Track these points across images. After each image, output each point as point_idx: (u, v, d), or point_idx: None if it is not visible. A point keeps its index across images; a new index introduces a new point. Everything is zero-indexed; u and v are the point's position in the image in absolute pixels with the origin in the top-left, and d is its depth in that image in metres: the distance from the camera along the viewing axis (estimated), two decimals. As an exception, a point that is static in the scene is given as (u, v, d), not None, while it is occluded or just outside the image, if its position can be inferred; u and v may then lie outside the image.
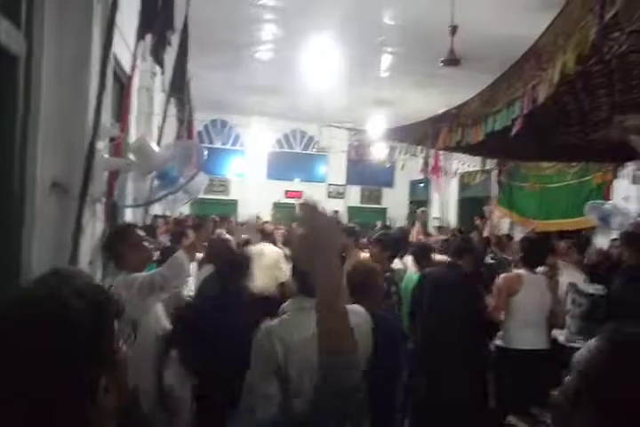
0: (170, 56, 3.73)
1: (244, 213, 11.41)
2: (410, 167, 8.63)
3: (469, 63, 5.68)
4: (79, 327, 0.74)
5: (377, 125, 8.39)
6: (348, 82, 7.93)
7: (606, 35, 2.03)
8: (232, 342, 2.46)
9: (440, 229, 9.26)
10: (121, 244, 2.43)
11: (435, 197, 11.98)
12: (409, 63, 7.05)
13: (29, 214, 1.96)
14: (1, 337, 0.73)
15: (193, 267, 3.42)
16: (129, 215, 3.96)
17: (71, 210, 2.11)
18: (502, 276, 3.51)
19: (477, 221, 7.20)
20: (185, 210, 8.63)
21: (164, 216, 6.15)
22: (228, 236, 4.73)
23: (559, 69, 2.14)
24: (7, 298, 0.79)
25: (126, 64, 3.32)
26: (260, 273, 4.16)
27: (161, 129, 4.33)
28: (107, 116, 2.57)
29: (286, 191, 12.87)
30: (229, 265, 3.04)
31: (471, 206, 9.87)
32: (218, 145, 12.56)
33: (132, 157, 2.78)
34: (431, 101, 7.61)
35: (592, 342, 0.72)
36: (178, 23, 3.54)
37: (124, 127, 3.11)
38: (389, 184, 13.91)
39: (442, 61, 5.20)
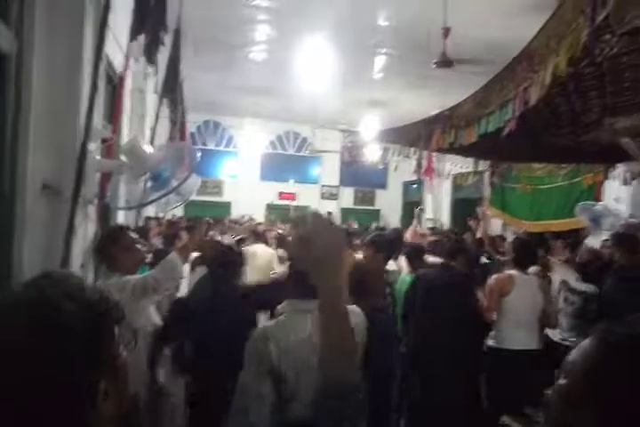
0: (163, 56, 3.72)
1: (238, 214, 11.40)
2: (403, 169, 8.67)
3: (462, 65, 5.72)
4: (72, 330, 0.73)
5: (370, 127, 8.41)
6: (342, 83, 7.94)
7: (598, 37, 2.05)
8: (225, 343, 2.45)
9: (433, 229, 9.28)
10: (113, 246, 2.42)
11: (428, 199, 12.02)
12: (402, 65, 7.07)
13: (20, 217, 1.94)
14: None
15: (186, 269, 3.40)
16: (121, 217, 3.94)
17: (63, 212, 2.09)
18: (494, 276, 3.53)
19: (470, 223, 7.23)
20: (178, 212, 8.58)
21: (156, 218, 6.11)
22: (220, 237, 4.72)
23: (551, 71, 2.15)
24: (-2, 301, 0.78)
25: (118, 65, 3.31)
26: (253, 274, 4.16)
27: (153, 130, 4.31)
28: (99, 118, 2.55)
29: (280, 193, 12.87)
30: (223, 262, 3.02)
31: (464, 207, 9.90)
32: (211, 146, 12.52)
33: (124, 158, 2.77)
34: (424, 103, 7.63)
35: (585, 341, 0.72)
36: (171, 23, 3.53)
37: (116, 129, 3.09)
38: (383, 185, 13.95)
39: (435, 63, 5.22)
